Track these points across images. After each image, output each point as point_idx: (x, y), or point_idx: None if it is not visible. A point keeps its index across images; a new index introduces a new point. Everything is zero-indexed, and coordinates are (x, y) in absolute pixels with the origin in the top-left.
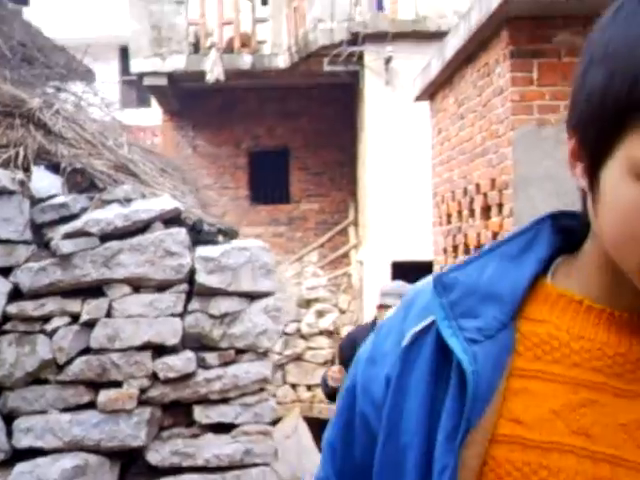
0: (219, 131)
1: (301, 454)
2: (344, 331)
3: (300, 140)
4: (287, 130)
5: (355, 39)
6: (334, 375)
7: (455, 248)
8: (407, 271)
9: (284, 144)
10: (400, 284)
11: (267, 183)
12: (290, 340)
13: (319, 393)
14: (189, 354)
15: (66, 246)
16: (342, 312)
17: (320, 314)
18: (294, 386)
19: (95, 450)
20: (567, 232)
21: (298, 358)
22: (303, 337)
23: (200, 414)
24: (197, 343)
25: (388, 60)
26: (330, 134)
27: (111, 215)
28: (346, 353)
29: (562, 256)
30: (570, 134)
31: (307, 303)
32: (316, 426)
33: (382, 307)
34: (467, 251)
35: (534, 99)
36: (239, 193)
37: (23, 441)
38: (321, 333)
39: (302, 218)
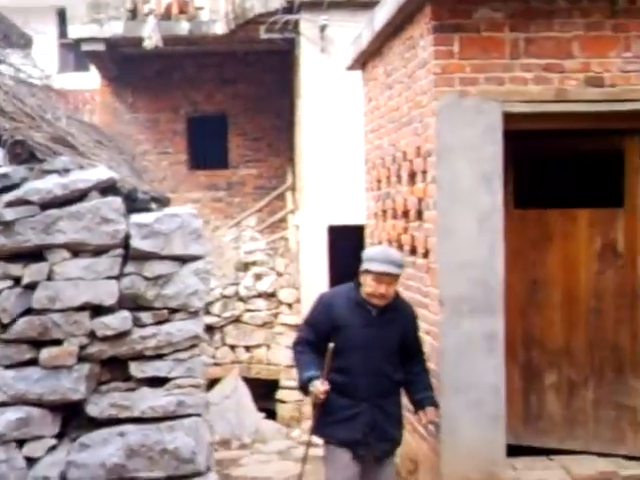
0: (157, 97)
1: (240, 413)
2: (282, 294)
3: (238, 106)
4: (225, 96)
5: (291, 7)
6: (320, 396)
7: (384, 212)
8: (343, 235)
9: (222, 110)
10: (383, 248)
11: (206, 148)
12: (229, 302)
13: (257, 354)
14: (125, 314)
15: (8, 214)
16: (279, 275)
17: (258, 277)
18: (233, 347)
19: (38, 403)
20: None
21: (237, 320)
22: (241, 299)
23: (136, 369)
24: (133, 303)
25: (323, 28)
26: (268, 100)
27: (50, 185)
28: (320, 317)
29: None
30: None
31: (245, 266)
32: (254, 386)
33: (366, 272)
34: (395, 215)
35: (455, 72)
36: (178, 158)
37: None
38: (259, 296)
39: (240, 183)
